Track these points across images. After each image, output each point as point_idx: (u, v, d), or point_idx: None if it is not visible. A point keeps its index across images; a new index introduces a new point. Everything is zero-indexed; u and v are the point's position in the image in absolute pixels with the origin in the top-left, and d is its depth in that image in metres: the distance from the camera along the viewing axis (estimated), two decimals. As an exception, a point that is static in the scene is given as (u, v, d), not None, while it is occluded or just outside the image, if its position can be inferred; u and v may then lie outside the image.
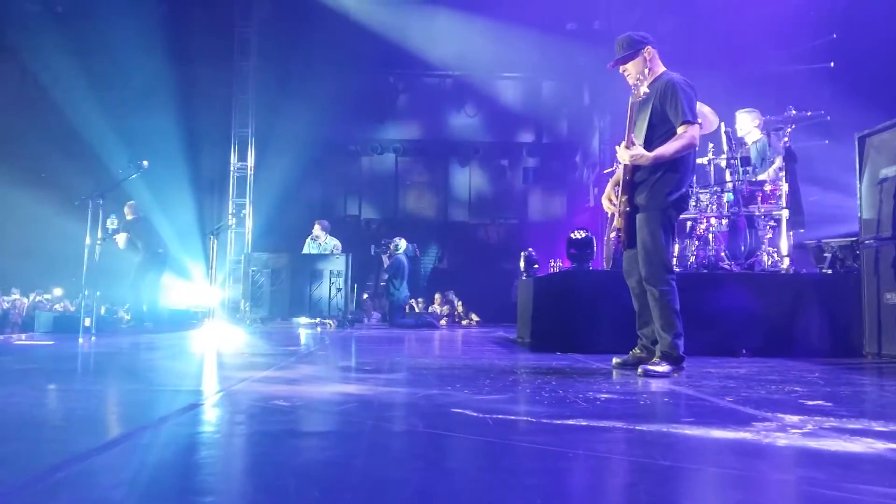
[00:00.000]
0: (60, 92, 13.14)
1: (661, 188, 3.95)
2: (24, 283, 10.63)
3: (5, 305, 8.39)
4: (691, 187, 4.09)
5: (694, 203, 6.50)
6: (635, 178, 4.02)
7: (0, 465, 1.73)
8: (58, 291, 9.90)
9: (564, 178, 15.93)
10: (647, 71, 4.02)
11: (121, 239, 9.11)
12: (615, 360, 4.34)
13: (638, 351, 4.24)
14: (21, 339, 6.61)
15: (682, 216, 6.50)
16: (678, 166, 3.95)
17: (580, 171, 15.55)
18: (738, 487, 1.68)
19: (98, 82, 13.76)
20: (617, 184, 4.19)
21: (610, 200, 4.26)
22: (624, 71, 4.12)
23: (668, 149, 3.88)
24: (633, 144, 3.93)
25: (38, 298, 9.48)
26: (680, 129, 3.88)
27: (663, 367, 3.89)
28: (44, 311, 8.14)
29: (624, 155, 3.95)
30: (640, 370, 3.94)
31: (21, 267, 11.53)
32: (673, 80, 3.97)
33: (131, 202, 9.39)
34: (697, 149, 4.08)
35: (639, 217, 4.03)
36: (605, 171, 8.80)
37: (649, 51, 4.07)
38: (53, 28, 12.46)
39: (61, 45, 12.60)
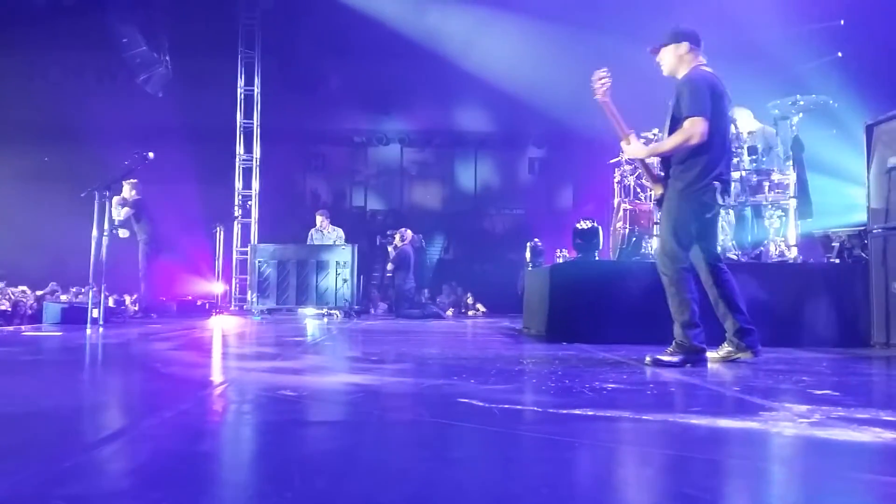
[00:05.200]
0: (66, 85, 13.16)
1: (680, 181, 3.96)
2: (31, 276, 10.67)
3: (13, 298, 8.42)
4: (720, 179, 3.99)
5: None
6: (669, 173, 4.07)
7: (9, 456, 1.74)
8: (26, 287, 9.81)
9: (570, 169, 15.87)
10: (679, 65, 4.07)
11: (123, 211, 9.10)
12: (709, 353, 4.05)
13: (726, 345, 4.08)
14: (29, 331, 6.64)
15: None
16: (695, 160, 3.91)
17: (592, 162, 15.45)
18: (744, 476, 1.67)
19: (103, 75, 13.77)
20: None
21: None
22: (659, 58, 4.15)
23: (664, 143, 3.98)
24: (629, 139, 4.08)
25: (40, 292, 9.50)
26: (686, 124, 3.87)
27: (673, 358, 3.87)
28: (51, 303, 8.15)
29: (624, 149, 4.03)
30: (647, 358, 3.92)
31: (28, 260, 11.58)
32: (688, 76, 4.00)
33: (133, 180, 9.32)
34: (700, 139, 3.85)
35: (662, 207, 4.11)
36: (611, 161, 8.76)
37: (684, 46, 4.06)
38: (60, 21, 12.44)
39: (67, 38, 12.59)
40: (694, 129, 3.81)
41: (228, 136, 13.57)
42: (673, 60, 4.09)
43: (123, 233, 9.09)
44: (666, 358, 3.88)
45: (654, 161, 4.50)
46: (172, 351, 4.90)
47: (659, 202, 4.16)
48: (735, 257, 6.19)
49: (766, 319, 5.54)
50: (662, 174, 4.14)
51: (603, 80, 4.12)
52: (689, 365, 3.85)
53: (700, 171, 3.90)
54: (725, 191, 4.00)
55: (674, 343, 3.95)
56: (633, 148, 4.11)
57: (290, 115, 14.39)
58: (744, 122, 6.84)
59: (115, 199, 8.97)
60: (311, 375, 3.44)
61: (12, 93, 13.09)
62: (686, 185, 3.93)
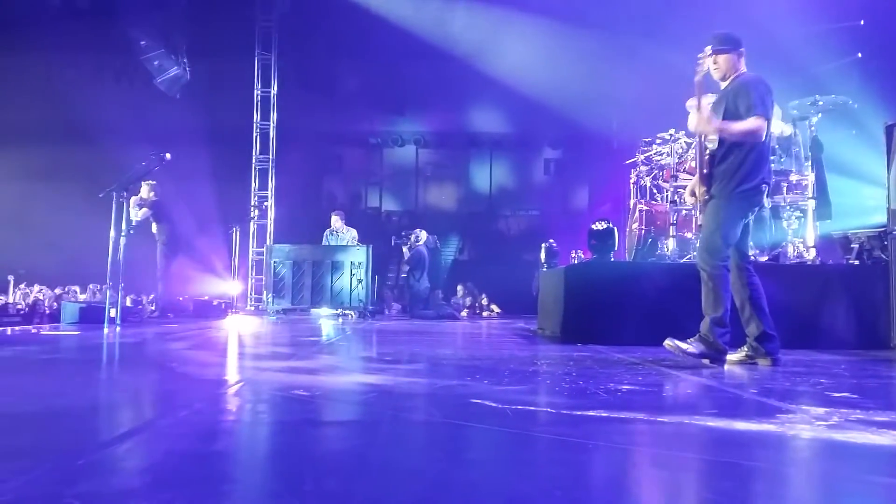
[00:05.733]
0: (84, 87, 13.28)
1: (729, 179, 4.01)
2: (50, 276, 10.78)
3: (32, 297, 8.51)
4: (766, 182, 4.02)
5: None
6: (713, 172, 4.08)
7: (24, 454, 1.75)
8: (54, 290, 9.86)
9: (586, 169, 15.81)
10: (731, 72, 4.12)
11: (141, 212, 9.14)
12: (729, 355, 4.07)
13: (745, 349, 4.09)
14: (47, 330, 6.71)
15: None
16: (745, 160, 3.98)
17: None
18: (761, 479, 1.65)
19: (121, 77, 13.89)
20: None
21: (692, 194, 4.33)
22: (714, 62, 4.16)
23: (733, 126, 3.96)
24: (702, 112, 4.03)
25: (60, 291, 9.59)
26: (751, 119, 3.91)
27: (692, 347, 3.86)
28: (69, 303, 8.23)
29: (692, 119, 4.04)
30: (668, 341, 3.91)
31: (47, 260, 11.70)
32: (747, 78, 4.07)
33: (151, 181, 9.33)
34: (763, 139, 3.97)
35: (708, 205, 4.11)
36: (626, 162, 8.72)
37: (742, 51, 4.15)
38: (77, 24, 12.56)
39: (85, 40, 12.71)
40: (761, 124, 3.90)
41: (245, 138, 13.65)
42: (730, 66, 4.14)
43: (141, 212, 9.11)
44: (685, 345, 3.86)
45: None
46: (188, 350, 4.93)
47: (706, 201, 4.12)
48: (752, 258, 6.14)
49: (785, 321, 5.47)
50: (708, 171, 4.11)
51: (706, 60, 4.12)
52: (706, 360, 3.83)
53: (749, 173, 3.99)
54: (769, 193, 4.12)
55: (697, 336, 3.94)
56: (702, 119, 4.05)
57: (306, 117, 14.44)
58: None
59: (133, 199, 9.04)
60: (326, 375, 3.44)
61: (31, 94, 13.23)
62: (737, 185, 3.99)
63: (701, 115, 4.04)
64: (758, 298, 4.05)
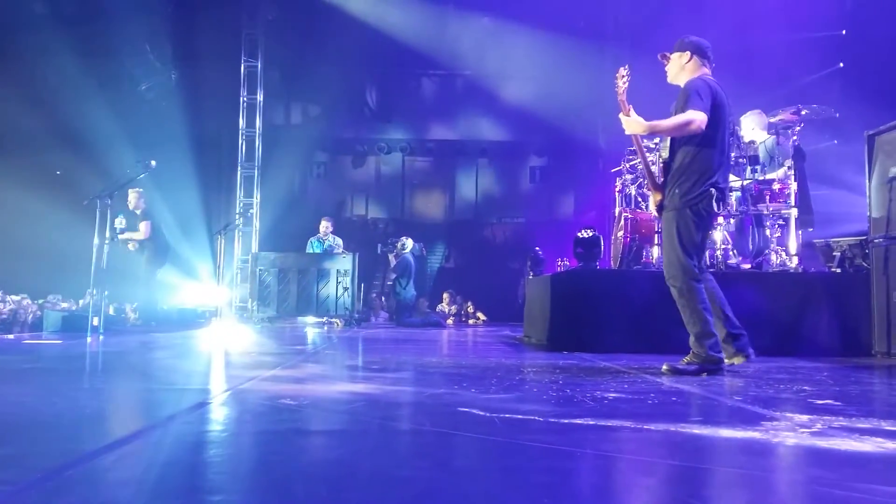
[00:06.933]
0: (69, 93, 13.19)
1: (678, 189, 4.00)
2: (32, 284, 10.67)
3: (11, 305, 8.41)
4: (717, 187, 3.93)
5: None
6: (666, 180, 4.10)
7: (8, 464, 1.74)
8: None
9: (571, 178, 15.89)
10: (680, 73, 4.17)
11: (144, 226, 9.07)
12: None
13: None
14: (30, 339, 6.64)
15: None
16: (688, 167, 3.97)
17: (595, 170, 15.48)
18: (746, 487, 1.67)
19: (106, 83, 13.81)
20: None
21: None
22: (666, 62, 4.25)
23: (664, 123, 3.99)
24: (630, 113, 4.05)
25: (42, 301, 9.48)
26: (683, 114, 3.90)
27: (688, 367, 3.88)
28: (52, 311, 8.15)
29: (623, 122, 4.06)
30: (664, 367, 3.92)
31: (29, 267, 11.57)
32: (690, 81, 4.05)
33: (139, 189, 9.22)
34: (697, 131, 3.87)
35: (662, 217, 4.13)
36: (612, 170, 8.77)
37: (686, 56, 4.15)
38: (62, 30, 12.48)
39: (69, 46, 12.62)
40: (695, 116, 3.84)
41: (231, 145, 13.59)
42: (675, 68, 4.20)
43: (133, 245, 9.08)
44: (681, 366, 3.88)
45: (657, 168, 4.52)
46: (172, 360, 4.89)
47: (659, 209, 4.16)
48: (735, 266, 6.20)
49: (768, 329, 5.55)
50: (662, 180, 4.15)
51: (625, 78, 4.12)
52: (705, 374, 3.84)
53: (697, 180, 3.95)
54: (722, 198, 4.02)
55: (690, 353, 3.95)
56: (631, 121, 4.04)
57: (292, 124, 14.41)
58: (751, 130, 6.83)
59: (137, 211, 8.99)
60: (312, 384, 3.43)
61: (15, 100, 13.09)
62: (684, 194, 3.97)
63: (630, 118, 4.04)
64: (717, 303, 4.06)
